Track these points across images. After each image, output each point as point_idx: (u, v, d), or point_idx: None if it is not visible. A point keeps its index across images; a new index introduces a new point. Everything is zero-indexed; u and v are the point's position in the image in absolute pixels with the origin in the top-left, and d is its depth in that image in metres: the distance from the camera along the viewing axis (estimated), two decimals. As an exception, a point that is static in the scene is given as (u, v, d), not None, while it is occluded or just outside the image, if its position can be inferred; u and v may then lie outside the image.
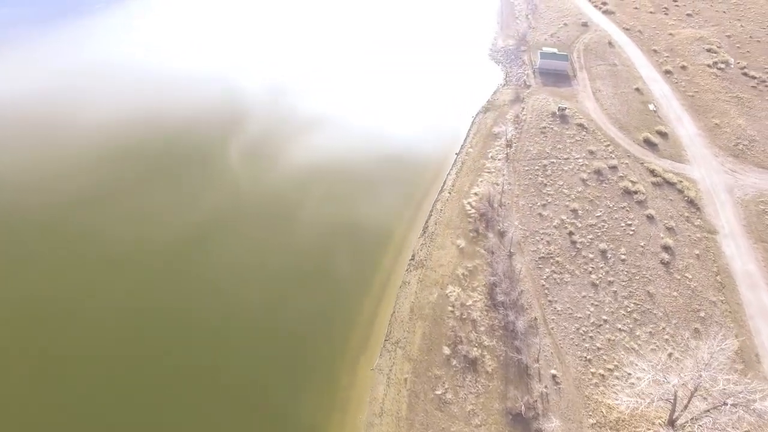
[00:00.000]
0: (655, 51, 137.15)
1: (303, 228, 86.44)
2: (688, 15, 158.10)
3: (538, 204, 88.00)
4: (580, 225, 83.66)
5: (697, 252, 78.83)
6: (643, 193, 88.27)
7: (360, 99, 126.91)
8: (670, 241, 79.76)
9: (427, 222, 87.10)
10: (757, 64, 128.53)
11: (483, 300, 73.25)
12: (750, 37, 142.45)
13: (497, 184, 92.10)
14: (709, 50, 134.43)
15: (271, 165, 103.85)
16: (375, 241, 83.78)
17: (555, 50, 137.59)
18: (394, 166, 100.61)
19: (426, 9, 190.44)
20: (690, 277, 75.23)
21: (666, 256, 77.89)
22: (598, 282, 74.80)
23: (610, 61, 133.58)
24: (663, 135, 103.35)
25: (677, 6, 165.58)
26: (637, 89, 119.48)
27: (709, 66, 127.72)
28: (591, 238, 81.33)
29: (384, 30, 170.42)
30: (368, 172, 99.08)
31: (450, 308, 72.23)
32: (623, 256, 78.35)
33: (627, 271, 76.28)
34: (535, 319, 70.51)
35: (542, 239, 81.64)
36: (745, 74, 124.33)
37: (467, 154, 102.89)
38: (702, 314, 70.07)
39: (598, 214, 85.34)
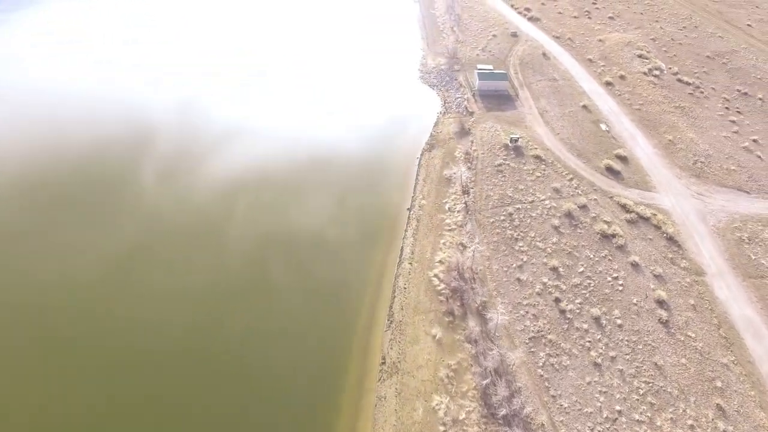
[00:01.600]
0: (590, 60, 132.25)
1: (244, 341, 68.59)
2: (610, 18, 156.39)
3: (514, 266, 76.47)
4: (564, 287, 73.14)
5: (692, 302, 71.13)
6: (621, 236, 79.76)
7: (282, 150, 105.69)
8: (662, 294, 71.40)
9: (391, 308, 72.35)
10: (686, 69, 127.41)
11: (477, 409, 60.05)
12: (672, 39, 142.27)
13: (463, 245, 79.50)
14: (640, 56, 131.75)
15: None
16: (335, 344, 67.70)
17: (491, 67, 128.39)
18: (340, 236, 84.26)
19: (344, 24, 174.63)
20: (693, 335, 67.06)
21: (663, 313, 69.36)
22: (600, 360, 64.37)
23: (549, 75, 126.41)
24: (623, 159, 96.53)
25: (597, 9, 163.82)
26: (584, 106, 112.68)
27: (645, 74, 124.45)
28: (580, 303, 71.01)
29: (299, 60, 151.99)
30: (309, 249, 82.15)
31: (441, 428, 58.35)
32: (619, 321, 68.78)
33: (627, 340, 66.65)
34: (543, 425, 58.52)
35: (528, 313, 70.05)
36: (679, 80, 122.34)
37: (420, 207, 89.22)
38: (718, 383, 61.78)
39: (581, 270, 75.41)
